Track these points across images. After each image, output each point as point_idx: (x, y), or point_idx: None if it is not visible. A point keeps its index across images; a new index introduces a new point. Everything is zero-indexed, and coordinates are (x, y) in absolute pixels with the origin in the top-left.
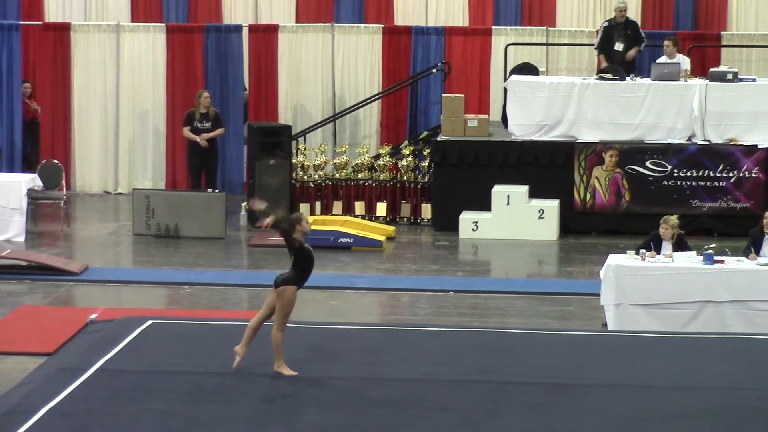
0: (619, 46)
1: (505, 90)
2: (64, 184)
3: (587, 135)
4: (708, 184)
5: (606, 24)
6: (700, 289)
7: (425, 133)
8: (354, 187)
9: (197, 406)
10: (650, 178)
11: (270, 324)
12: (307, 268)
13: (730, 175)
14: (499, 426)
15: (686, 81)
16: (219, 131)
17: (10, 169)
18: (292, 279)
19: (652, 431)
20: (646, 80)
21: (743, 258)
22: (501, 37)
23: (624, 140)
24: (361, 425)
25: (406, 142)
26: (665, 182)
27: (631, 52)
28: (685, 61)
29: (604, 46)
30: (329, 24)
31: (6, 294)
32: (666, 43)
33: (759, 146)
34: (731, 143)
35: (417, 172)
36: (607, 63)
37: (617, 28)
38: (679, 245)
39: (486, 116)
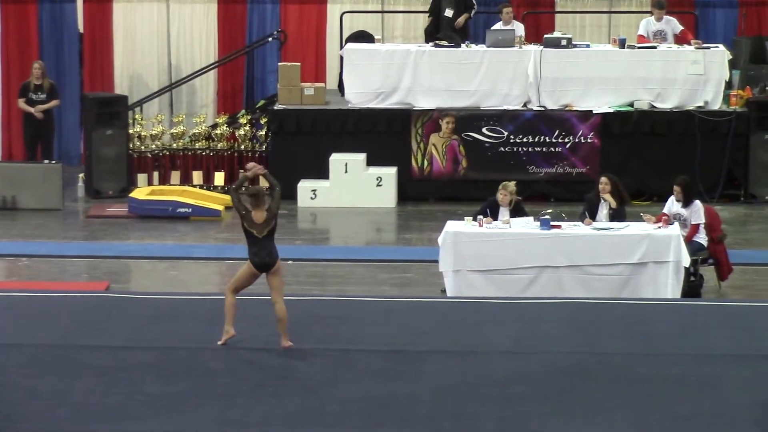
0: (448, 12)
1: (342, 58)
2: None
3: (423, 102)
4: (544, 149)
5: None
6: (538, 255)
7: (262, 102)
8: (191, 156)
9: (35, 378)
10: (487, 145)
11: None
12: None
13: (566, 140)
14: (339, 393)
15: (521, 47)
16: (54, 103)
17: None
18: None
19: (491, 395)
20: (481, 47)
21: (579, 223)
22: (336, 5)
23: (460, 107)
24: (202, 393)
25: (243, 111)
26: (502, 148)
27: (461, 20)
28: (519, 28)
29: (435, 13)
30: None
31: None
32: (505, 10)
33: (594, 111)
34: (566, 109)
35: (254, 141)
36: (434, 30)
37: None
38: (516, 211)
39: (323, 84)
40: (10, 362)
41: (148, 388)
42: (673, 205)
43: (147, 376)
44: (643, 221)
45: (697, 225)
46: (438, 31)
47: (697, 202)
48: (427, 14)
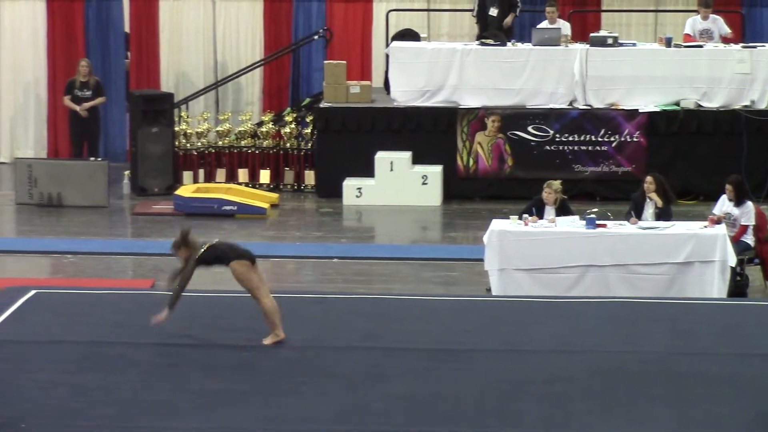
0: (493, 12)
1: (387, 56)
2: None
3: (469, 100)
4: (590, 148)
5: None
6: (583, 254)
7: (307, 100)
8: (237, 154)
9: (81, 374)
10: (533, 143)
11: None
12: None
13: (612, 139)
14: (384, 391)
15: (567, 46)
16: (99, 100)
17: None
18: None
19: (535, 393)
20: (527, 46)
21: (625, 222)
22: (382, 3)
23: (506, 105)
24: (247, 391)
25: (288, 109)
26: (547, 147)
27: (508, 20)
28: (565, 26)
29: (480, 12)
30: None
31: None
32: (549, 9)
33: (640, 110)
34: (612, 108)
35: (300, 138)
36: (482, 30)
37: None
38: (562, 210)
39: (368, 82)
40: (56, 359)
41: (193, 385)
42: (724, 204)
43: (192, 373)
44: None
45: (746, 226)
46: (485, 32)
47: (749, 203)
48: (474, 17)
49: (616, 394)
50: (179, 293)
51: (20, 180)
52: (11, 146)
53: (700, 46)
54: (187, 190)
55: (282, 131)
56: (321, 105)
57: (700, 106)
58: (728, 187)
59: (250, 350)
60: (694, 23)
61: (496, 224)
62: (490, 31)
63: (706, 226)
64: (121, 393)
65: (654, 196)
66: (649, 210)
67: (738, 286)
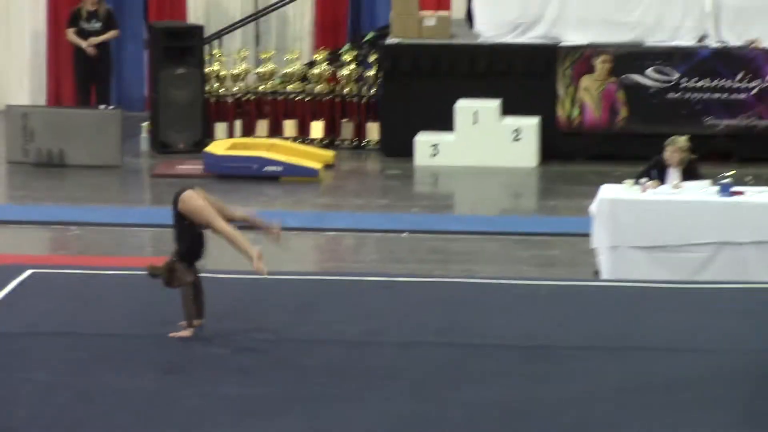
0: None
1: None
2: None
3: (573, 36)
4: (724, 96)
5: None
6: (716, 228)
7: (371, 35)
8: (283, 102)
9: (89, 375)
10: (652, 90)
11: None
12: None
13: (752, 85)
14: (464, 397)
15: None
16: (111, 34)
17: None
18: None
19: (655, 402)
20: None
21: (767, 188)
22: None
23: (619, 42)
24: (291, 397)
25: (347, 46)
26: (671, 94)
27: None
28: None
29: None
30: None
31: None
32: None
33: None
34: (752, 46)
35: (361, 83)
36: None
37: None
38: (690, 173)
39: (447, 13)
40: (57, 356)
41: (227, 390)
42: None
43: (228, 376)
44: None
45: None
46: None
47: None
48: None
49: (750, 403)
50: (190, 306)
51: (13, 133)
52: (1, 91)
53: None
54: (220, 146)
55: (339, 74)
56: (387, 41)
57: None
58: None
59: (295, 346)
60: None
61: (607, 191)
62: None
63: None
64: (138, 398)
65: None
66: None
67: None
